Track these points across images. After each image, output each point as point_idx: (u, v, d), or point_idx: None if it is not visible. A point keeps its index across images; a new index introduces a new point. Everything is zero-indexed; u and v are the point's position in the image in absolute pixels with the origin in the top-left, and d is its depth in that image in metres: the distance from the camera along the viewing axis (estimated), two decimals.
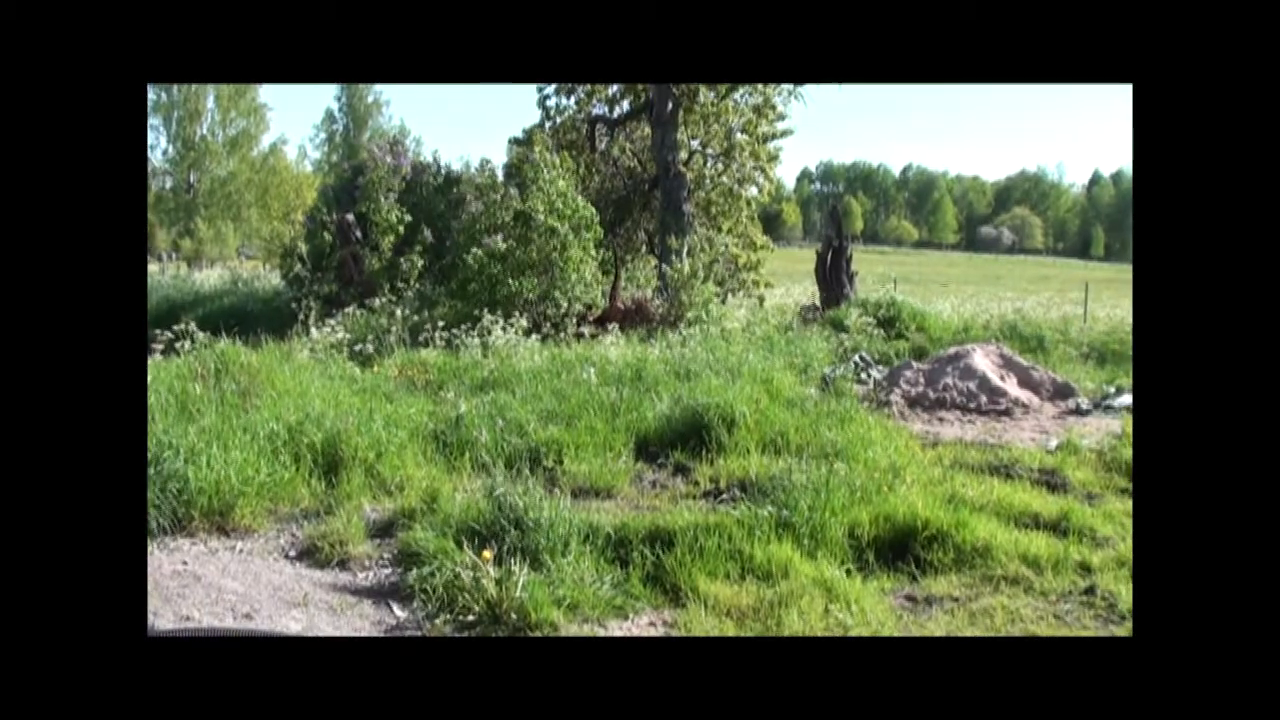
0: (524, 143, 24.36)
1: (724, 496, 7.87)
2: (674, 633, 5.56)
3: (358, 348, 13.35)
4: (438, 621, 5.60)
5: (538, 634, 5.42)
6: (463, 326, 14.27)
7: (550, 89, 25.38)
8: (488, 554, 5.90)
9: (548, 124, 25.87)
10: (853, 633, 5.43)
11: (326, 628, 5.56)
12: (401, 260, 19.12)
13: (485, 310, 14.96)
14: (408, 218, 19.88)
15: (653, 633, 5.62)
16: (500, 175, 21.73)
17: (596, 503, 7.75)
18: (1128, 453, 9.51)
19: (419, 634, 5.50)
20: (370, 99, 74.66)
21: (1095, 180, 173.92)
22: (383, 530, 7.12)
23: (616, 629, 5.62)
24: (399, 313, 15.76)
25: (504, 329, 14.08)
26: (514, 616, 5.52)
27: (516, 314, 15.00)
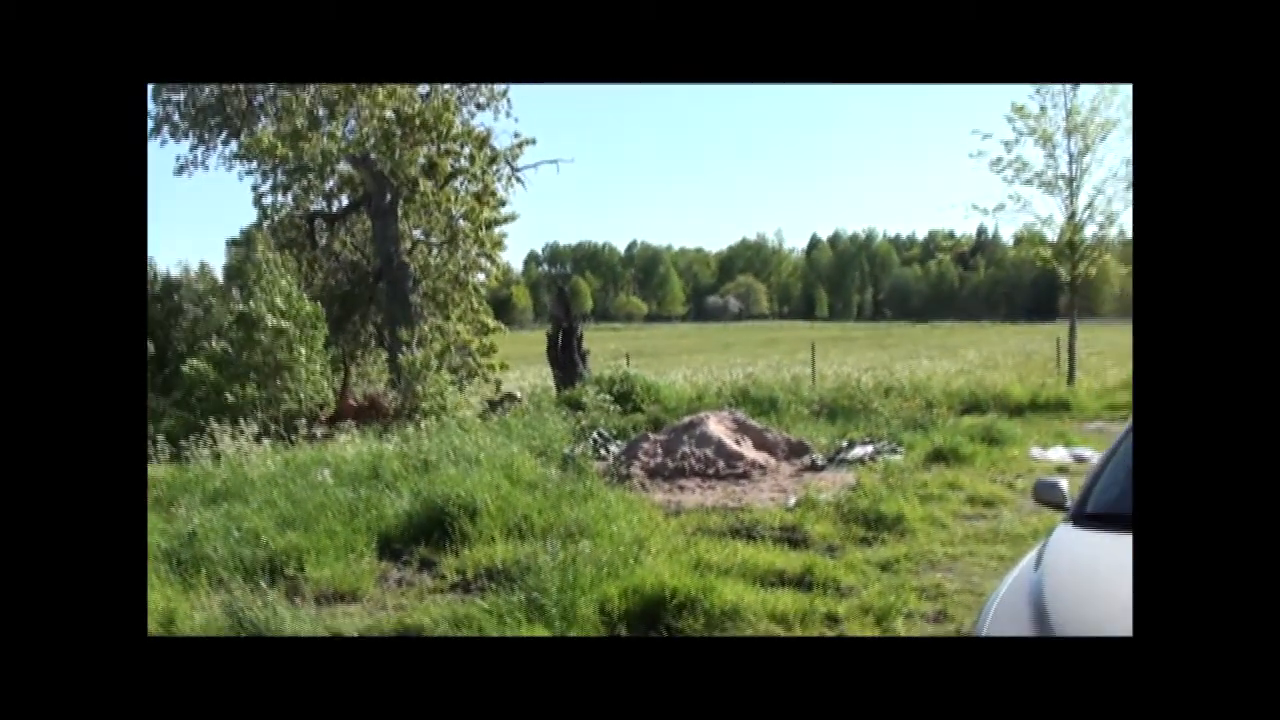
0: (243, 243, 23.64)
1: (472, 587, 7.78)
2: None
3: None
4: None
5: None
6: (191, 437, 13.70)
7: (265, 186, 24.60)
8: None
9: (265, 223, 25.11)
10: None
11: None
12: None
13: (212, 419, 14.38)
14: None
15: None
16: (221, 278, 21.07)
17: (342, 607, 7.55)
18: (864, 503, 9.92)
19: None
20: None
21: (814, 244, 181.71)
22: None
23: None
24: None
25: (233, 437, 13.59)
26: None
27: (244, 419, 14.47)
